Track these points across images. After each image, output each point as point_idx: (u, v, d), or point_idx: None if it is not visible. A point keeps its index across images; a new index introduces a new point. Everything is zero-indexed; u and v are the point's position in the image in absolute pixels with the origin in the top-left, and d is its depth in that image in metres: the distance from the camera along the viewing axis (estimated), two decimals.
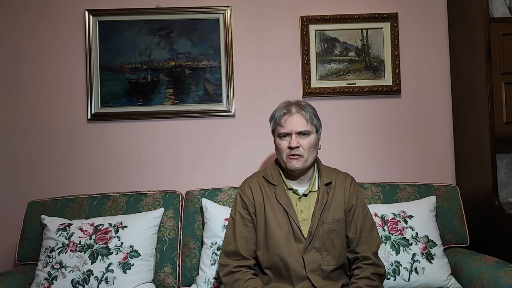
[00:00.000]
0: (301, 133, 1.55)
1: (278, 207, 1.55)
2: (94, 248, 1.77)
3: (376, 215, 1.84)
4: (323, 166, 1.67)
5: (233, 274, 1.49)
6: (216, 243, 1.82)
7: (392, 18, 2.27)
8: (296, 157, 1.54)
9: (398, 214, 1.86)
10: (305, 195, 1.58)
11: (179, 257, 1.93)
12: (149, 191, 2.05)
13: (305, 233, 1.51)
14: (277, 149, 1.59)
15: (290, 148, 1.53)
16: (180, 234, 1.96)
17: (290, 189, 1.59)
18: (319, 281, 1.47)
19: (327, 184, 1.59)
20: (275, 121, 1.60)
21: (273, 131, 1.63)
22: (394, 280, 1.74)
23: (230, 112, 2.25)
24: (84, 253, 1.76)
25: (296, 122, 1.55)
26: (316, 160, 1.64)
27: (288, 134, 1.55)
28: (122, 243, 1.79)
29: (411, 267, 1.76)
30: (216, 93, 2.26)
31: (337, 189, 1.59)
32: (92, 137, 2.24)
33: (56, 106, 2.24)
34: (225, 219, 1.82)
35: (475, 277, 1.68)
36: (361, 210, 1.58)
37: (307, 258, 1.49)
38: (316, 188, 1.60)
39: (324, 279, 1.49)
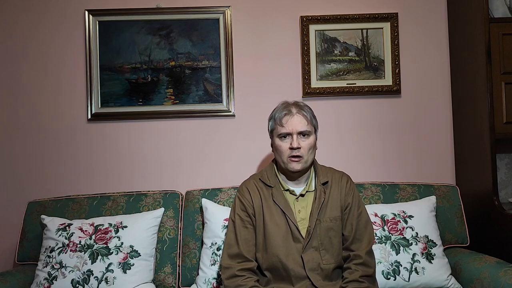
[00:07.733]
0: (302, 134, 1.55)
1: (276, 209, 1.56)
2: (94, 248, 1.77)
3: (376, 215, 1.84)
4: (319, 165, 1.67)
5: (236, 278, 1.47)
6: (216, 243, 1.82)
7: (392, 18, 2.27)
8: (297, 159, 1.54)
9: (398, 214, 1.86)
10: (302, 195, 1.59)
11: (179, 257, 1.93)
12: (149, 191, 2.05)
13: (303, 233, 1.52)
14: (277, 150, 1.59)
15: (292, 148, 1.54)
16: (180, 234, 1.96)
17: (287, 190, 1.60)
18: (318, 280, 1.47)
19: (324, 184, 1.60)
20: (275, 121, 1.60)
21: (271, 132, 1.63)
22: (394, 280, 1.74)
23: (230, 112, 2.25)
24: (84, 253, 1.76)
25: (297, 122, 1.55)
26: (313, 160, 1.64)
27: (289, 135, 1.56)
28: (122, 243, 1.79)
29: (411, 267, 1.75)
30: (216, 93, 2.25)
31: (333, 188, 1.60)
32: (92, 137, 2.24)
33: (56, 106, 2.24)
34: (225, 219, 1.82)
35: (475, 277, 1.68)
36: (357, 208, 1.59)
37: (306, 257, 1.49)
38: (313, 188, 1.61)
39: (324, 279, 1.49)
